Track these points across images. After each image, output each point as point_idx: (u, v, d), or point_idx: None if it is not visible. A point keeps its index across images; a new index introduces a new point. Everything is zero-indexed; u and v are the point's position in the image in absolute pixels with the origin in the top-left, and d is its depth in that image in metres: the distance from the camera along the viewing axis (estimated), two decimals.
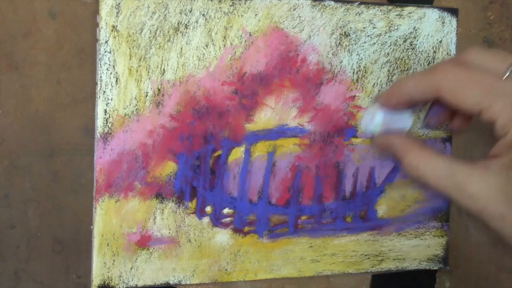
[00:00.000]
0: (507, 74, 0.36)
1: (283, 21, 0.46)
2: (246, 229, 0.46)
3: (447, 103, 0.38)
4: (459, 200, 0.37)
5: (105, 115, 0.42)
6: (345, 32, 0.47)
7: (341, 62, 0.47)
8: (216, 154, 0.45)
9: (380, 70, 0.48)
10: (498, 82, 0.34)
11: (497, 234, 0.36)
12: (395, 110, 0.44)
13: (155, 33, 0.43)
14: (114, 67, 0.42)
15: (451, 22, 0.50)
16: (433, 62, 0.50)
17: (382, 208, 0.49)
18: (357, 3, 0.47)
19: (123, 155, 0.43)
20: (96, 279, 0.43)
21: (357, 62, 0.48)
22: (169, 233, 0.44)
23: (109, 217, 0.43)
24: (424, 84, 0.37)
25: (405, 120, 0.45)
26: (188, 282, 0.45)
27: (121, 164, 0.43)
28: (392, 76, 0.49)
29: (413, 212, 0.50)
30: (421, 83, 0.38)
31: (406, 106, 0.43)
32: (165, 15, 0.43)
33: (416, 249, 0.51)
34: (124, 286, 0.44)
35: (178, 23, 0.43)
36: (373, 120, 0.46)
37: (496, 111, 0.33)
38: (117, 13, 0.42)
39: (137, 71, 0.43)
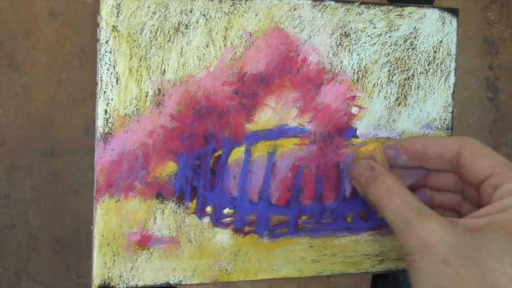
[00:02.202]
0: None
1: (284, 21, 0.46)
2: (247, 229, 0.46)
3: (461, 162, 0.39)
4: (412, 228, 0.35)
5: (106, 115, 0.42)
6: (345, 32, 0.47)
7: (342, 62, 0.47)
8: (216, 154, 0.45)
9: (381, 70, 0.48)
10: None
11: (420, 283, 0.34)
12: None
13: (156, 33, 0.43)
14: (114, 67, 0.42)
15: (452, 22, 0.50)
16: (434, 62, 0.50)
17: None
18: (358, 3, 0.47)
19: (123, 155, 0.43)
20: (96, 279, 0.43)
21: (357, 62, 0.48)
22: (170, 233, 0.45)
23: (110, 217, 0.43)
24: (447, 141, 0.40)
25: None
26: (188, 282, 0.45)
27: (122, 164, 0.43)
28: (392, 76, 0.49)
29: None
30: (444, 140, 0.40)
31: (412, 159, 0.44)
32: (165, 15, 0.43)
33: None
34: (125, 286, 0.44)
35: (178, 23, 0.43)
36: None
37: (506, 178, 0.34)
38: (118, 13, 0.42)
39: (137, 71, 0.43)
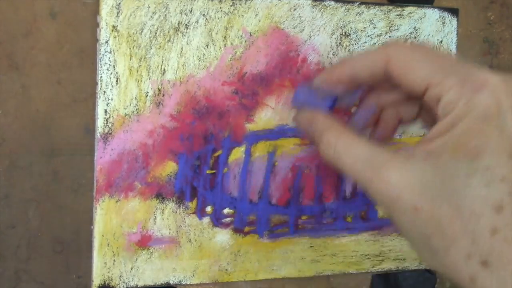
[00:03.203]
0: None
1: (284, 21, 0.46)
2: (247, 229, 0.46)
3: (394, 79, 0.33)
4: (373, 187, 0.31)
5: (106, 115, 0.42)
6: (345, 32, 0.47)
7: None
8: (216, 154, 0.45)
9: None
10: (452, 60, 0.31)
11: (406, 234, 0.31)
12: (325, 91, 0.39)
13: (156, 33, 0.43)
14: (114, 67, 0.42)
15: (452, 22, 0.50)
16: None
17: (382, 208, 0.49)
18: (358, 3, 0.47)
19: (123, 155, 0.43)
20: (96, 279, 0.43)
21: None
22: (170, 233, 0.44)
23: (110, 217, 0.43)
24: (373, 57, 0.34)
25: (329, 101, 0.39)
26: (188, 282, 0.45)
27: (122, 164, 0.43)
28: None
29: None
30: (370, 56, 0.34)
31: (347, 86, 0.37)
32: (165, 15, 0.43)
33: None
34: (125, 286, 0.44)
35: (178, 23, 0.43)
36: (300, 96, 0.41)
37: (445, 87, 0.29)
38: (118, 13, 0.42)
39: (137, 71, 0.43)
